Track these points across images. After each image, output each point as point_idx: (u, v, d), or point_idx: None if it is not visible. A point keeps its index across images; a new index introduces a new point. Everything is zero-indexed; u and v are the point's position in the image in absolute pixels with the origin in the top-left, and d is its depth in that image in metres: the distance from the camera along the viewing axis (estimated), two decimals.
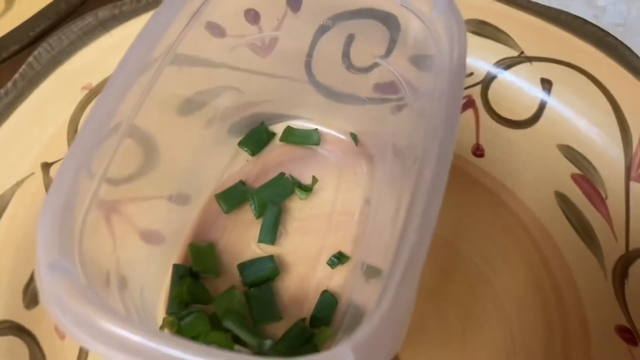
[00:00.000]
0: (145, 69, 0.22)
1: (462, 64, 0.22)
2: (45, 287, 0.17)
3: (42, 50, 0.31)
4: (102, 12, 0.32)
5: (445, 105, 0.21)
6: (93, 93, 0.31)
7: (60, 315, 0.16)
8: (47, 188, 0.29)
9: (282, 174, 0.31)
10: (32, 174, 0.29)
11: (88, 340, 0.16)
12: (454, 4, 0.23)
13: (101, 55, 0.31)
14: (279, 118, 0.32)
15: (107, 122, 0.21)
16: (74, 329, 0.16)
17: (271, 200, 0.30)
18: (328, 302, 0.27)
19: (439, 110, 0.21)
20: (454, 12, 0.23)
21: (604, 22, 0.39)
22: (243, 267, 0.28)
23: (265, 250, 0.29)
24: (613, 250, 0.29)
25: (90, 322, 0.16)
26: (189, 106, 0.28)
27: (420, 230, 0.18)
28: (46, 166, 0.29)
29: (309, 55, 0.29)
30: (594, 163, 0.30)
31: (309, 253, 0.29)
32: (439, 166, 0.19)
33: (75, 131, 0.30)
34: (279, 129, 0.32)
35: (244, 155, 0.32)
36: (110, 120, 0.21)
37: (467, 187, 0.31)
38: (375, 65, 0.28)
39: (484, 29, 0.32)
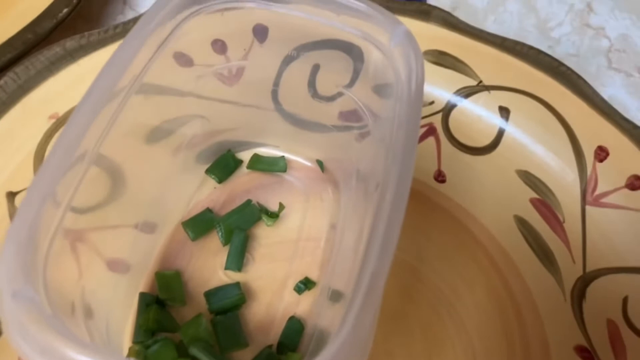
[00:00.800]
0: (111, 99, 0.22)
1: (420, 91, 0.22)
2: (8, 316, 0.16)
3: (8, 80, 0.30)
4: (70, 43, 0.32)
5: (405, 131, 0.21)
6: (60, 122, 0.31)
7: (25, 345, 0.16)
8: (11, 217, 0.28)
9: (249, 201, 0.31)
10: None
11: None
12: (411, 35, 0.24)
13: (68, 84, 0.31)
14: (246, 145, 0.33)
15: (72, 151, 0.20)
16: (38, 359, 0.16)
17: (238, 227, 0.30)
18: (295, 328, 0.27)
19: (398, 136, 0.21)
20: (411, 43, 0.23)
21: (559, 53, 0.40)
22: (209, 294, 0.28)
23: (232, 277, 0.29)
24: (571, 272, 0.29)
25: (56, 351, 0.16)
26: (156, 134, 0.28)
27: (380, 253, 0.18)
28: (11, 195, 0.29)
29: (276, 84, 0.29)
30: (551, 188, 0.31)
31: (276, 279, 0.29)
32: (398, 190, 0.20)
33: (42, 160, 0.30)
34: (246, 156, 0.32)
35: (211, 182, 0.32)
36: (76, 149, 0.20)
37: (430, 212, 0.31)
38: (340, 94, 0.28)
39: (444, 59, 0.33)
